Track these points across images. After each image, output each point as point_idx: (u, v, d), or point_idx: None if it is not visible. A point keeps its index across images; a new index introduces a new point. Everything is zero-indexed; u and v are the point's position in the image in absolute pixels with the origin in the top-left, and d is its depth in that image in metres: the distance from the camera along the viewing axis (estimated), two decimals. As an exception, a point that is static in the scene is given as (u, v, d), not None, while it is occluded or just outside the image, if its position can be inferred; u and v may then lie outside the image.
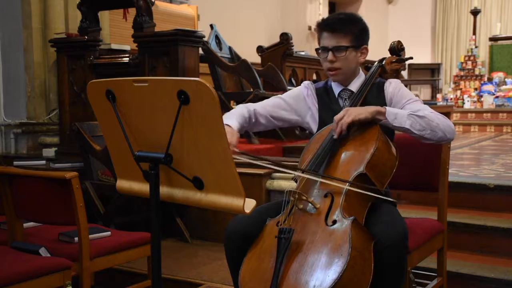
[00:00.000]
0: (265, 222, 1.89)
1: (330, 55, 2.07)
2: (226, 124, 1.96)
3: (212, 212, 3.37)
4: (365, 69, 2.24)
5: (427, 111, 1.99)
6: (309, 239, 1.74)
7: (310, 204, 1.83)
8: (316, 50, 2.15)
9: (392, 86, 2.12)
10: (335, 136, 1.94)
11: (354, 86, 2.15)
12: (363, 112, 1.93)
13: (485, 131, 8.81)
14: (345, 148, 1.95)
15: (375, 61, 2.25)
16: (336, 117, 1.95)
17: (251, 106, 2.17)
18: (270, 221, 1.89)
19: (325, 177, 1.87)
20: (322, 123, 2.14)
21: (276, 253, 1.71)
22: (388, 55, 2.28)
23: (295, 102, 2.21)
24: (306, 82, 2.26)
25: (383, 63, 2.22)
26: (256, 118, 2.15)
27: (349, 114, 1.93)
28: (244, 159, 1.85)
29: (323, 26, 2.10)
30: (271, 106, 2.19)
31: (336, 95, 2.17)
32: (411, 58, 2.29)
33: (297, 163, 2.06)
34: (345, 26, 2.06)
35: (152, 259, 1.49)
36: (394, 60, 2.24)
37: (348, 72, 2.11)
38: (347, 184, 1.82)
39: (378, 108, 1.96)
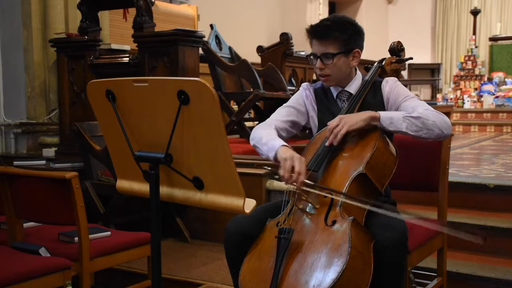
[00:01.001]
0: (265, 222, 1.89)
1: (318, 63, 2.07)
2: (283, 145, 1.93)
3: (212, 212, 3.37)
4: (364, 70, 2.24)
5: (422, 108, 1.98)
6: (308, 239, 1.74)
7: (310, 204, 1.83)
8: (307, 56, 2.15)
9: (389, 85, 2.12)
10: (326, 144, 1.93)
11: (352, 87, 2.15)
12: (357, 121, 1.92)
13: (485, 131, 8.81)
14: (345, 149, 1.95)
15: (375, 61, 2.25)
16: (330, 125, 1.94)
17: (271, 124, 2.12)
18: (270, 221, 1.89)
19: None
20: (322, 123, 2.14)
21: (276, 253, 1.71)
22: (388, 55, 2.28)
23: (302, 106, 2.21)
24: (304, 84, 2.26)
25: (383, 63, 2.22)
26: (279, 134, 2.11)
27: (344, 123, 1.91)
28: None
29: (311, 33, 2.09)
30: (287, 117, 2.17)
31: (335, 96, 2.17)
32: (411, 58, 2.29)
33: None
34: (332, 33, 2.04)
35: (152, 259, 1.49)
36: (394, 61, 2.24)
37: (340, 77, 2.11)
38: (342, 196, 1.80)
39: (372, 114, 1.95)
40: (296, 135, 4.91)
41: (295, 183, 1.81)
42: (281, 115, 2.17)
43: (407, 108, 2.01)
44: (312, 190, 1.83)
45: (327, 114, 2.13)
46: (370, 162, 1.87)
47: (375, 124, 1.95)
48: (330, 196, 1.82)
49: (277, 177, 1.84)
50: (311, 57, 2.11)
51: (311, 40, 2.10)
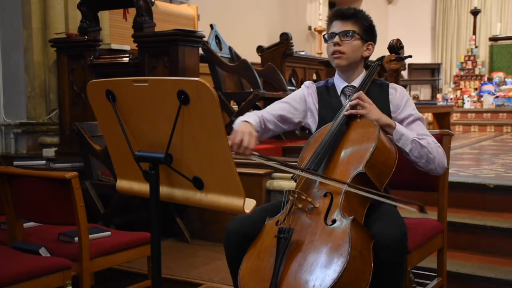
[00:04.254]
0: (265, 222, 1.89)
1: (336, 38, 2.11)
2: (245, 121, 1.99)
3: (212, 212, 3.37)
4: (364, 67, 2.25)
5: (430, 139, 2.04)
6: (308, 238, 1.74)
7: (309, 204, 1.83)
8: (323, 36, 2.20)
9: (399, 93, 2.16)
10: (345, 113, 2.00)
11: (357, 82, 2.16)
12: (377, 117, 1.99)
13: (485, 131, 8.82)
14: (345, 147, 1.95)
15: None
16: (357, 96, 2.01)
17: (258, 112, 2.17)
18: (269, 220, 1.89)
19: (337, 181, 1.86)
20: (322, 121, 2.14)
21: (276, 252, 1.71)
22: (387, 53, 2.28)
23: (298, 103, 2.22)
24: (307, 82, 2.27)
25: (382, 61, 2.22)
26: (265, 125, 2.15)
27: (366, 107, 1.98)
28: (260, 160, 1.88)
29: (335, 15, 2.16)
30: (277, 111, 2.19)
31: (339, 92, 2.18)
32: (410, 56, 2.30)
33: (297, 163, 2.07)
34: (355, 16, 2.13)
35: (152, 259, 1.49)
36: (393, 59, 2.24)
37: (351, 58, 2.12)
38: (345, 185, 1.83)
39: (391, 122, 2.01)
40: (296, 134, 4.92)
41: (242, 154, 1.86)
42: (272, 108, 2.21)
43: (418, 133, 2.05)
44: (258, 160, 1.89)
45: (329, 111, 2.14)
46: (370, 161, 1.87)
47: (387, 131, 2.00)
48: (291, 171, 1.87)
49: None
50: (328, 35, 2.15)
51: (331, 22, 2.16)
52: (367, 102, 2.01)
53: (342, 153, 1.94)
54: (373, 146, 1.89)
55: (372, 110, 2.00)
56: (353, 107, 2.02)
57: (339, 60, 2.13)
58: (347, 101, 2.09)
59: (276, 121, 2.18)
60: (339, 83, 2.19)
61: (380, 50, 2.29)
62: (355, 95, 2.03)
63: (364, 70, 2.20)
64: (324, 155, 1.93)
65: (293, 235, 1.74)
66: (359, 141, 1.95)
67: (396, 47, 2.25)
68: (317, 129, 2.14)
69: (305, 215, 1.82)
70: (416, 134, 2.03)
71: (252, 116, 2.07)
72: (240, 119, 2.04)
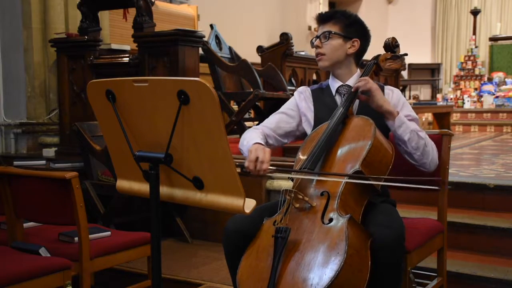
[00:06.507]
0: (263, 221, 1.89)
1: (316, 41, 2.15)
2: (256, 143, 2.00)
3: (212, 212, 3.37)
4: (360, 66, 2.25)
5: (426, 134, 2.06)
6: (305, 237, 1.74)
7: (306, 203, 1.83)
8: (311, 40, 2.22)
9: (396, 94, 2.17)
10: (354, 87, 2.03)
11: (352, 81, 2.16)
12: (381, 103, 1.99)
13: (485, 131, 8.82)
14: (341, 146, 1.96)
15: (371, 60, 2.26)
16: (364, 80, 2.02)
17: (258, 127, 2.19)
18: (267, 220, 1.89)
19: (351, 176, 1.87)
20: (318, 121, 2.15)
21: (273, 252, 1.72)
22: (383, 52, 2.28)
23: (293, 111, 2.25)
24: (300, 88, 2.29)
25: (378, 60, 2.22)
26: (266, 141, 2.17)
27: (376, 91, 1.98)
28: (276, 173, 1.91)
29: (316, 20, 2.20)
30: (275, 123, 2.22)
31: (334, 92, 2.19)
32: (406, 54, 2.30)
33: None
34: (335, 17, 2.15)
35: (152, 259, 1.49)
36: (389, 57, 2.23)
37: (333, 58, 2.14)
38: (346, 178, 1.83)
39: (393, 110, 2.01)
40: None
41: (259, 171, 1.87)
42: (270, 122, 2.22)
43: (416, 128, 2.06)
44: (279, 174, 1.89)
45: (324, 111, 2.14)
46: (366, 159, 1.87)
47: (388, 118, 2.00)
48: (303, 177, 1.88)
49: (244, 170, 1.88)
50: (313, 40, 2.18)
51: (318, 27, 2.19)
52: (368, 84, 2.01)
53: (339, 152, 1.95)
54: (369, 144, 1.89)
55: (380, 93, 2.01)
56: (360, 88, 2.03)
57: (321, 61, 2.16)
58: (343, 98, 2.10)
59: (276, 136, 2.20)
60: (334, 83, 2.20)
61: (380, 51, 2.29)
62: (363, 79, 2.04)
63: (359, 69, 2.21)
64: (320, 154, 1.93)
65: (291, 235, 1.74)
66: (355, 139, 1.95)
67: (391, 46, 2.25)
68: (312, 129, 2.15)
69: (302, 214, 1.82)
70: (416, 127, 2.05)
71: (257, 137, 2.08)
72: (250, 143, 2.02)
